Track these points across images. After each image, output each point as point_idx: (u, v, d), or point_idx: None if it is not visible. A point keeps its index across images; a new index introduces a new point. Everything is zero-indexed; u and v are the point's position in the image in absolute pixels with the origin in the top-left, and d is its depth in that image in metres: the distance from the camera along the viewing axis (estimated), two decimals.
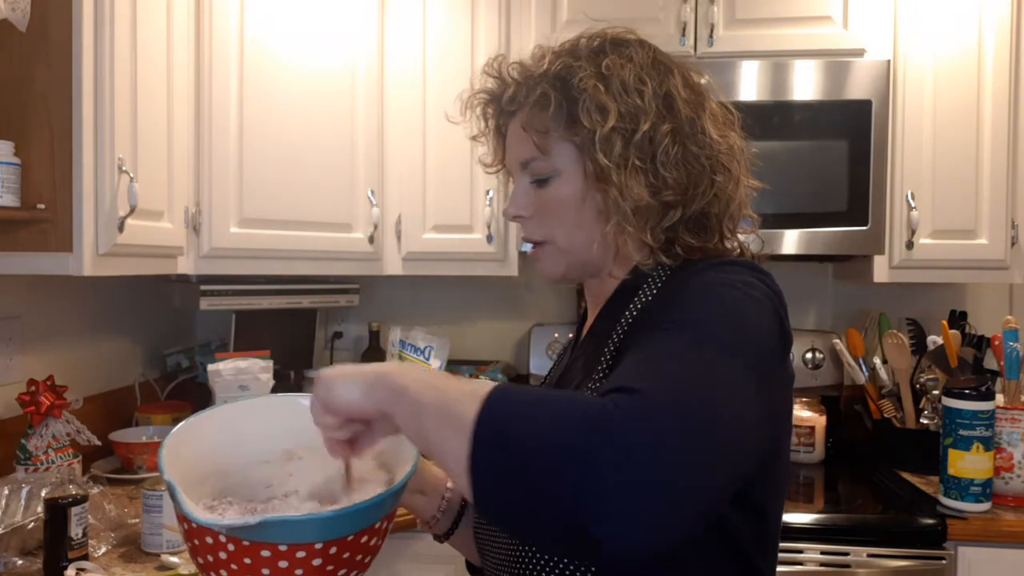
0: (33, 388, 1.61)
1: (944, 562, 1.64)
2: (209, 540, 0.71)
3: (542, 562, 0.77)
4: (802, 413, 2.11)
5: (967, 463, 1.68)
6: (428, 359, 2.22)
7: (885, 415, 2.03)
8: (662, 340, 0.68)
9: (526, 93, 0.85)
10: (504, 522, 0.63)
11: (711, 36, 2.01)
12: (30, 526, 1.36)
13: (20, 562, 1.34)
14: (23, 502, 1.40)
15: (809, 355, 2.21)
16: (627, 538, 0.55)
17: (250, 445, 0.88)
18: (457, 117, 0.95)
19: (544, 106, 0.83)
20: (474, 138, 0.96)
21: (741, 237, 0.88)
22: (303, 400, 0.82)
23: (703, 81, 0.88)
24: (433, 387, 0.67)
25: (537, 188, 0.87)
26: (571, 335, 1.07)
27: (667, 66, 0.85)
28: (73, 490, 1.34)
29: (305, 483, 0.85)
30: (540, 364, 2.30)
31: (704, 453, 0.58)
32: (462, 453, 0.60)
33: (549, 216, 0.87)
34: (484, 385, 0.64)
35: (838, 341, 2.13)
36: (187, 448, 0.82)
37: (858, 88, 1.92)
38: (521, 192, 0.89)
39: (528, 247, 0.92)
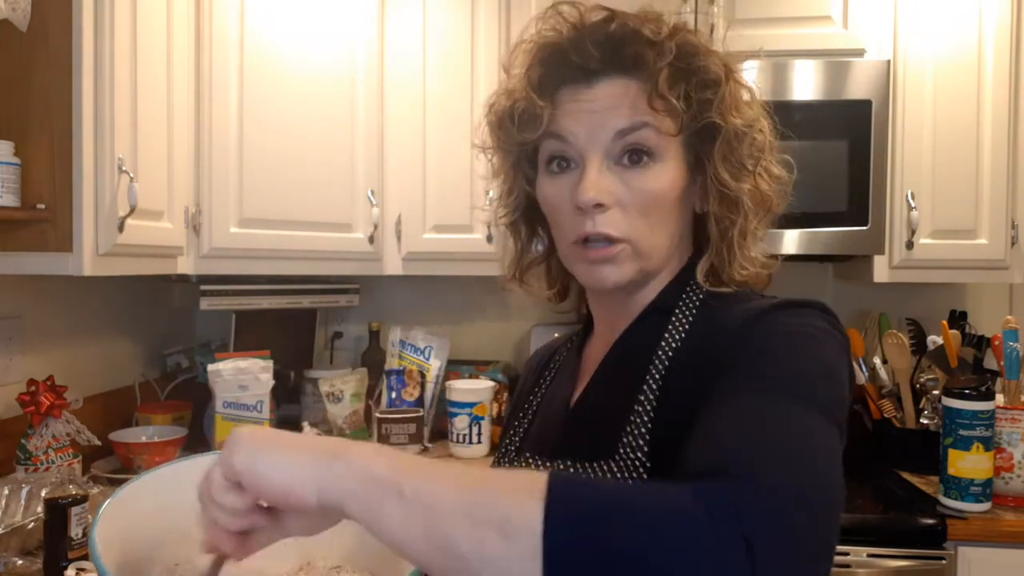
0: (33, 388, 1.61)
1: (944, 562, 1.64)
2: None
3: None
4: None
5: (967, 463, 1.68)
6: (428, 359, 2.22)
7: (885, 415, 2.02)
8: (759, 402, 0.58)
9: (657, 58, 0.71)
10: None
11: (711, 36, 2.00)
12: (30, 526, 1.36)
13: (20, 562, 1.34)
14: (23, 502, 1.40)
15: None
16: None
17: (179, 521, 0.68)
18: (510, 65, 0.78)
19: (683, 81, 0.72)
20: (512, 96, 0.77)
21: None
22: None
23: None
24: (434, 477, 0.51)
25: (624, 170, 0.72)
26: (554, 340, 0.97)
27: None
28: (73, 490, 1.34)
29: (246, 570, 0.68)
30: None
31: (827, 544, 0.53)
32: (524, 567, 0.46)
33: (636, 207, 0.72)
34: (517, 474, 0.51)
35: None
36: (119, 535, 0.65)
37: (858, 88, 1.92)
38: (602, 174, 0.71)
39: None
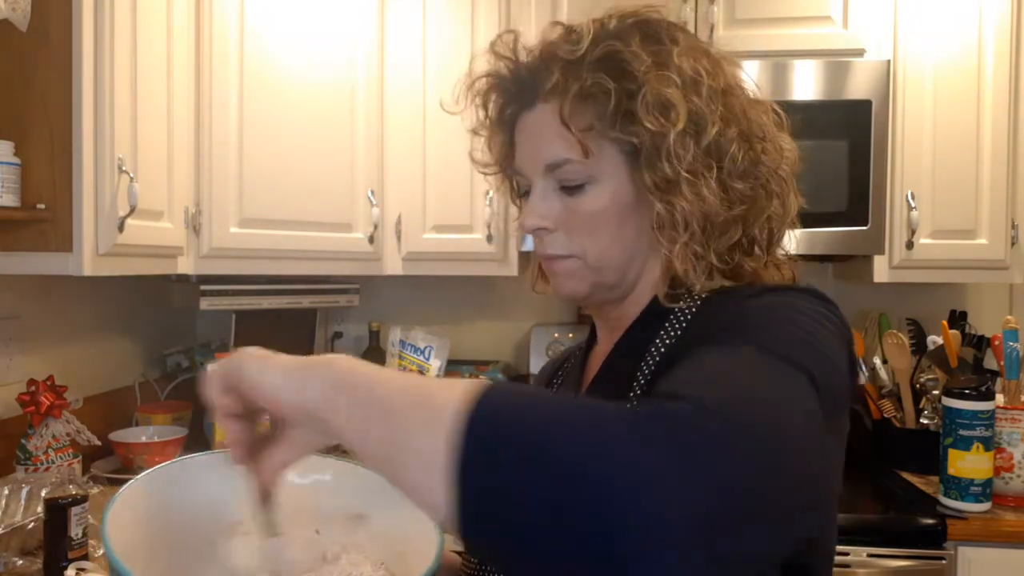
0: (33, 388, 1.61)
1: (944, 562, 1.64)
2: None
3: None
4: None
5: (967, 463, 1.68)
6: (428, 359, 2.22)
7: (885, 415, 2.02)
8: (719, 352, 0.57)
9: (568, 80, 0.70)
10: (492, 540, 0.46)
11: (711, 36, 2.00)
12: (30, 526, 1.36)
13: (20, 562, 1.34)
14: (23, 502, 1.40)
15: None
16: (662, 566, 0.43)
17: (191, 521, 0.67)
18: (454, 105, 0.80)
19: (595, 99, 0.70)
20: (475, 131, 0.82)
21: (781, 256, 0.79)
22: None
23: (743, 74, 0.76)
24: (400, 380, 0.52)
25: (565, 195, 0.74)
26: (566, 349, 0.96)
27: (715, 56, 0.74)
28: (73, 490, 1.34)
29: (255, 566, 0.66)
30: (540, 364, 2.28)
31: (772, 478, 0.47)
32: (437, 448, 0.46)
33: (579, 228, 0.73)
34: (470, 381, 0.51)
35: None
36: (128, 534, 0.62)
37: (858, 88, 1.92)
38: (543, 199, 0.74)
39: (529, 245, 0.82)
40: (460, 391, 0.48)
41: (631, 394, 0.70)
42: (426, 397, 0.49)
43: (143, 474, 0.68)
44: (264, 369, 0.56)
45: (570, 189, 0.73)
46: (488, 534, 0.46)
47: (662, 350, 0.71)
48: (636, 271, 0.75)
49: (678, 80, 0.69)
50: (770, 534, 0.48)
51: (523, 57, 0.76)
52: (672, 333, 0.71)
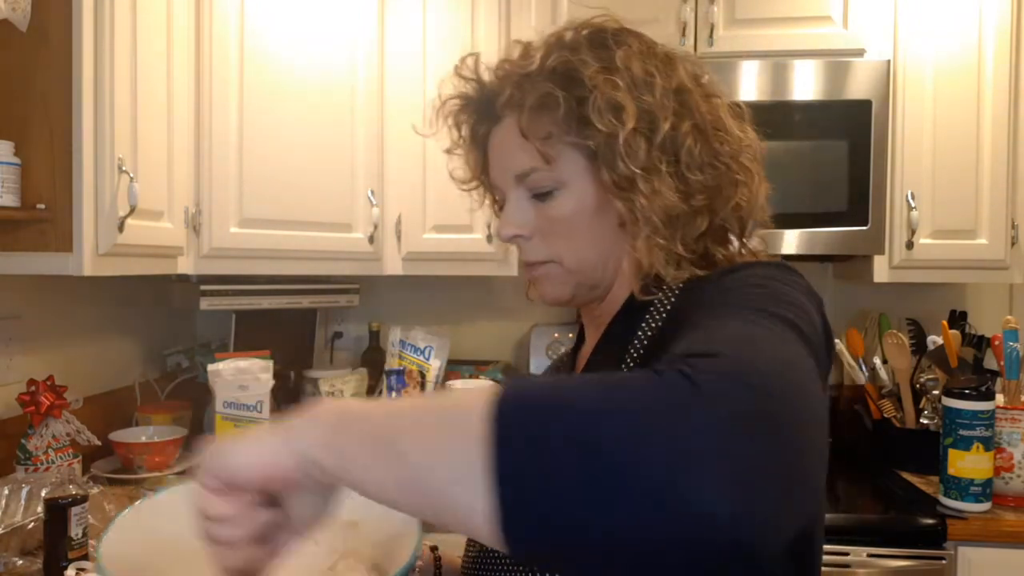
0: (33, 388, 1.61)
1: (944, 562, 1.64)
2: None
3: None
4: None
5: (967, 463, 1.68)
6: (428, 359, 2.22)
7: (885, 415, 2.02)
8: (721, 315, 0.57)
9: (522, 94, 0.74)
10: (546, 535, 0.42)
11: (711, 36, 2.01)
12: (30, 526, 1.36)
13: (20, 562, 1.34)
14: (23, 502, 1.40)
15: None
16: (745, 524, 0.40)
17: (184, 552, 0.63)
18: (427, 128, 0.84)
19: (548, 108, 0.72)
20: (448, 151, 0.85)
21: (756, 243, 0.80)
22: None
23: (704, 74, 0.79)
24: (399, 404, 0.50)
25: (537, 202, 0.77)
26: (564, 352, 0.96)
27: (668, 56, 0.77)
28: (73, 490, 1.34)
29: None
30: (540, 364, 2.30)
31: (808, 429, 0.46)
32: (468, 449, 0.43)
33: (553, 233, 0.76)
34: (473, 389, 0.48)
35: (838, 341, 2.13)
36: (127, 548, 0.63)
37: (858, 88, 1.92)
38: (517, 208, 0.78)
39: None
40: (475, 396, 0.45)
41: (624, 368, 0.71)
42: (439, 412, 0.47)
43: (137, 503, 0.70)
44: (244, 443, 0.52)
45: (541, 196, 0.76)
46: (540, 526, 0.42)
47: (644, 342, 0.72)
48: (613, 269, 0.78)
49: (627, 82, 0.72)
50: (812, 492, 0.48)
51: (486, 77, 0.80)
52: (653, 325, 0.73)
